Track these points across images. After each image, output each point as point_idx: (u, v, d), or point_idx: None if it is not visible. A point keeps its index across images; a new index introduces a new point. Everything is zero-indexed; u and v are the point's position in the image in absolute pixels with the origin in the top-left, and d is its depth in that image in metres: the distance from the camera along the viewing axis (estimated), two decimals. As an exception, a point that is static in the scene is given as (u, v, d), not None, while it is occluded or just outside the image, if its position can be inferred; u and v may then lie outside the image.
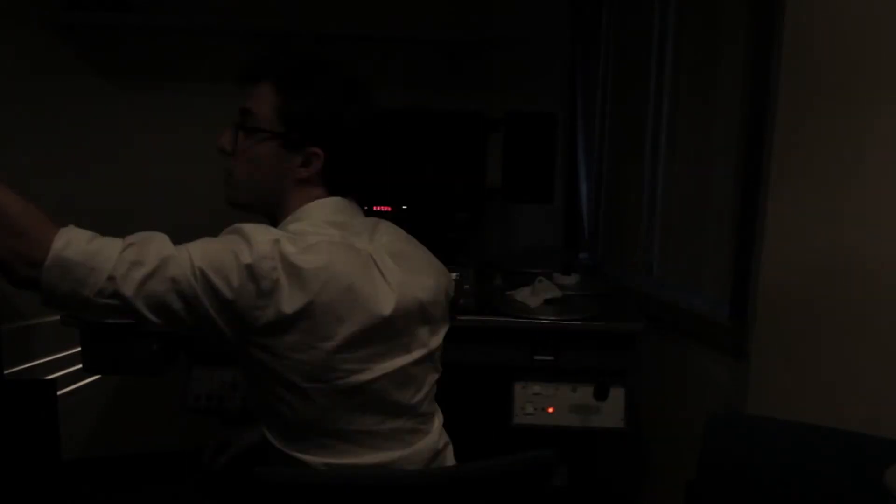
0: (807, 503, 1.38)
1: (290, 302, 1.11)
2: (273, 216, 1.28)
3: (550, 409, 1.89)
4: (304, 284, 1.12)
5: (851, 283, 1.54)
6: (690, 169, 2.23)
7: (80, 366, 1.79)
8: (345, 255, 1.18)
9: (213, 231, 1.16)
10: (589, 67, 2.74)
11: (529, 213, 2.84)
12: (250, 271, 1.10)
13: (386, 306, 1.19)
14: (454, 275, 1.54)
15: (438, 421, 1.35)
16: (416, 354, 1.26)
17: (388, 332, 1.20)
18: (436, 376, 1.34)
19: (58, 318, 1.77)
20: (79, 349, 1.78)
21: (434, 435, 1.32)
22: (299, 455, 1.22)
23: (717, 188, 2.08)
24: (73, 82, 2.54)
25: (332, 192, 1.27)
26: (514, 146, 2.44)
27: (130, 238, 1.10)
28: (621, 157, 2.64)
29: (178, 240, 1.12)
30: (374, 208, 2.37)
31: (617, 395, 1.89)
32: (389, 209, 2.38)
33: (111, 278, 1.06)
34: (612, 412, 1.89)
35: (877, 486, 1.03)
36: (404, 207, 2.41)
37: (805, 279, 1.66)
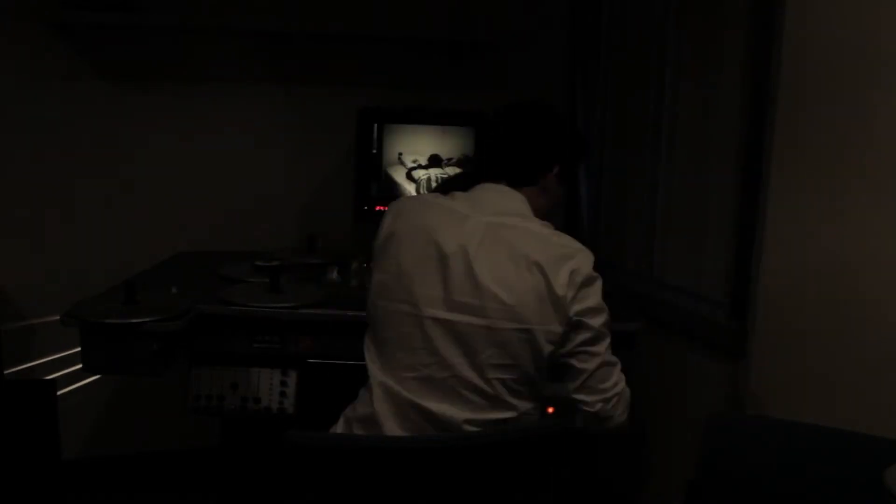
0: (806, 503, 1.37)
1: None
2: None
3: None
4: None
5: (851, 283, 1.54)
6: (690, 169, 2.23)
7: (80, 366, 1.79)
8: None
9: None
10: (589, 67, 2.74)
11: (529, 212, 2.83)
12: None
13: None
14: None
15: (508, 411, 1.40)
16: (463, 318, 1.35)
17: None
18: (509, 366, 1.38)
19: (58, 318, 1.76)
20: (79, 349, 1.77)
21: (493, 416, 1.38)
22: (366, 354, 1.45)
23: (717, 188, 2.07)
24: (73, 82, 2.54)
25: None
26: (514, 146, 2.43)
27: None
28: (621, 157, 2.64)
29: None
30: (377, 208, 2.38)
31: (617, 394, 1.88)
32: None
33: None
34: (612, 412, 1.88)
35: (877, 486, 1.03)
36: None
37: (805, 279, 1.65)
